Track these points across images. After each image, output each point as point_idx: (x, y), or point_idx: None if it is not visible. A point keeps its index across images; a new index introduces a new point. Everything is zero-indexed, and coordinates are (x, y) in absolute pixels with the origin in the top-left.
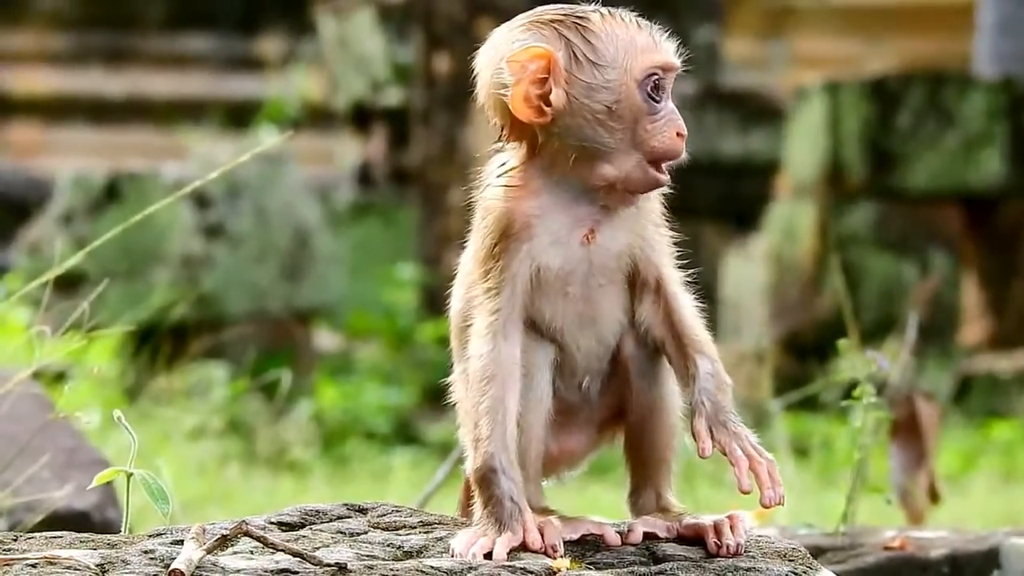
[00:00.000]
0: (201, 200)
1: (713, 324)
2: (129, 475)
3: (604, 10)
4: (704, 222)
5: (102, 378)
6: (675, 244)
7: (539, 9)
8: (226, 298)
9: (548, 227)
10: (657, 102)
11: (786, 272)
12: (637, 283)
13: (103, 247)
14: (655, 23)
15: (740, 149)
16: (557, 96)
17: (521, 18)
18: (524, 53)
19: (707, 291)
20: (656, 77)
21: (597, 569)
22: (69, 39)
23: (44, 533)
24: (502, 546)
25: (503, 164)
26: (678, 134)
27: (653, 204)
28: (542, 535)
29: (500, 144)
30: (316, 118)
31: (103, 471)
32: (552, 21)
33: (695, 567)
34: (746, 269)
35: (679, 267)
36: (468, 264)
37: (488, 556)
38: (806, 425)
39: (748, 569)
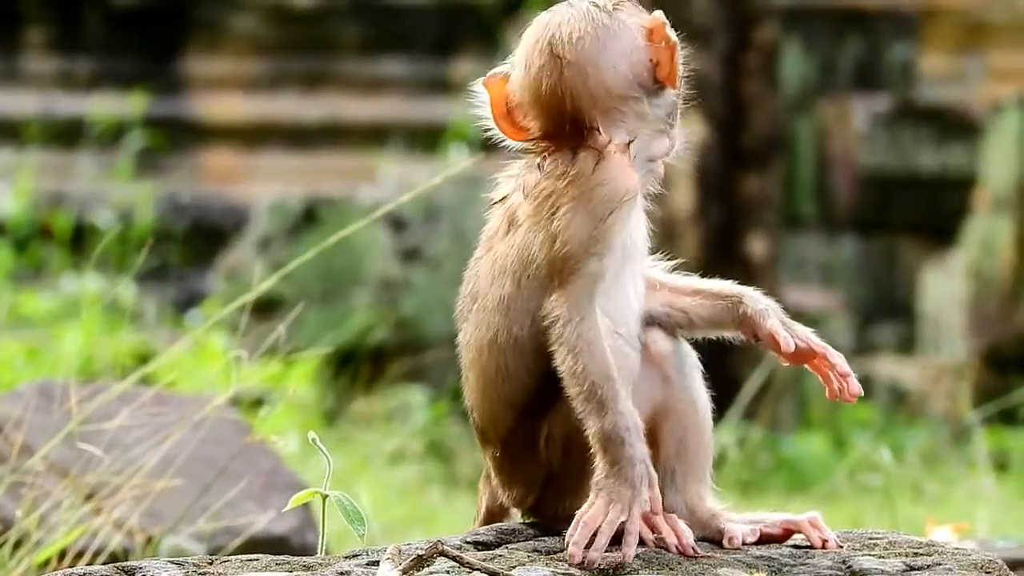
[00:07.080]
0: (398, 223)
1: (912, 339)
2: (324, 496)
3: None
4: (902, 237)
5: (300, 402)
6: (872, 259)
7: None
8: (425, 321)
9: (639, 201)
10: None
11: (985, 286)
12: None
13: (301, 272)
14: (853, 42)
15: (937, 164)
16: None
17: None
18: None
19: (905, 306)
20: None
21: None
22: (265, 64)
23: (240, 556)
24: (638, 510)
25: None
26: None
27: None
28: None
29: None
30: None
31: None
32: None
33: None
34: (945, 283)
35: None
36: (530, 249)
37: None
38: (1006, 439)
39: None
